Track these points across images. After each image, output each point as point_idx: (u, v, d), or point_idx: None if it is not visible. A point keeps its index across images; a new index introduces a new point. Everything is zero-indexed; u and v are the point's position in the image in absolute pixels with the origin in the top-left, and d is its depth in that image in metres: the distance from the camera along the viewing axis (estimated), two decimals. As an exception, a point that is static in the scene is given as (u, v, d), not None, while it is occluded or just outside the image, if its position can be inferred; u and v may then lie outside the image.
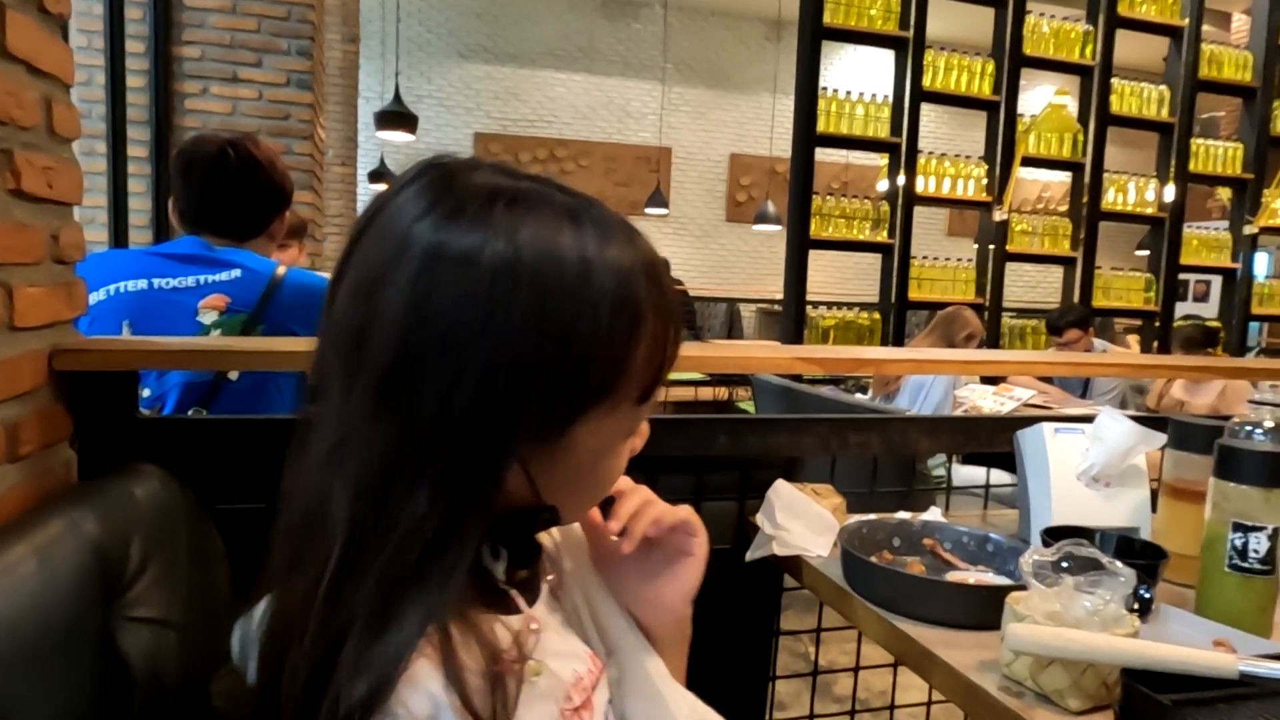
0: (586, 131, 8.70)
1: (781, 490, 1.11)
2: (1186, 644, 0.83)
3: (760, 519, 1.11)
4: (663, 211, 8.59)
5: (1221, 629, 0.83)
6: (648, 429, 0.58)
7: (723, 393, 6.35)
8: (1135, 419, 1.12)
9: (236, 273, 1.49)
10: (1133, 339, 5.63)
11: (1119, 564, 0.72)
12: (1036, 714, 0.68)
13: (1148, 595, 0.86)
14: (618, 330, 0.49)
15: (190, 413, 1.41)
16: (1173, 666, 0.61)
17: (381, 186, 7.70)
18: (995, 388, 3.92)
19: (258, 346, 1.12)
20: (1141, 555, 0.96)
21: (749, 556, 1.11)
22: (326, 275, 1.83)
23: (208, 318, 1.47)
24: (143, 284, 1.46)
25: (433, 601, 0.46)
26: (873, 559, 1.00)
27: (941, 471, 3.34)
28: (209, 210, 1.55)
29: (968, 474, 2.88)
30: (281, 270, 1.51)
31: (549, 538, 0.66)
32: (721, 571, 1.23)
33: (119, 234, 2.81)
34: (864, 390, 3.96)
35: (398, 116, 5.83)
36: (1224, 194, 5.16)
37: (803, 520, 1.09)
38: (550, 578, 0.62)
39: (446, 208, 0.48)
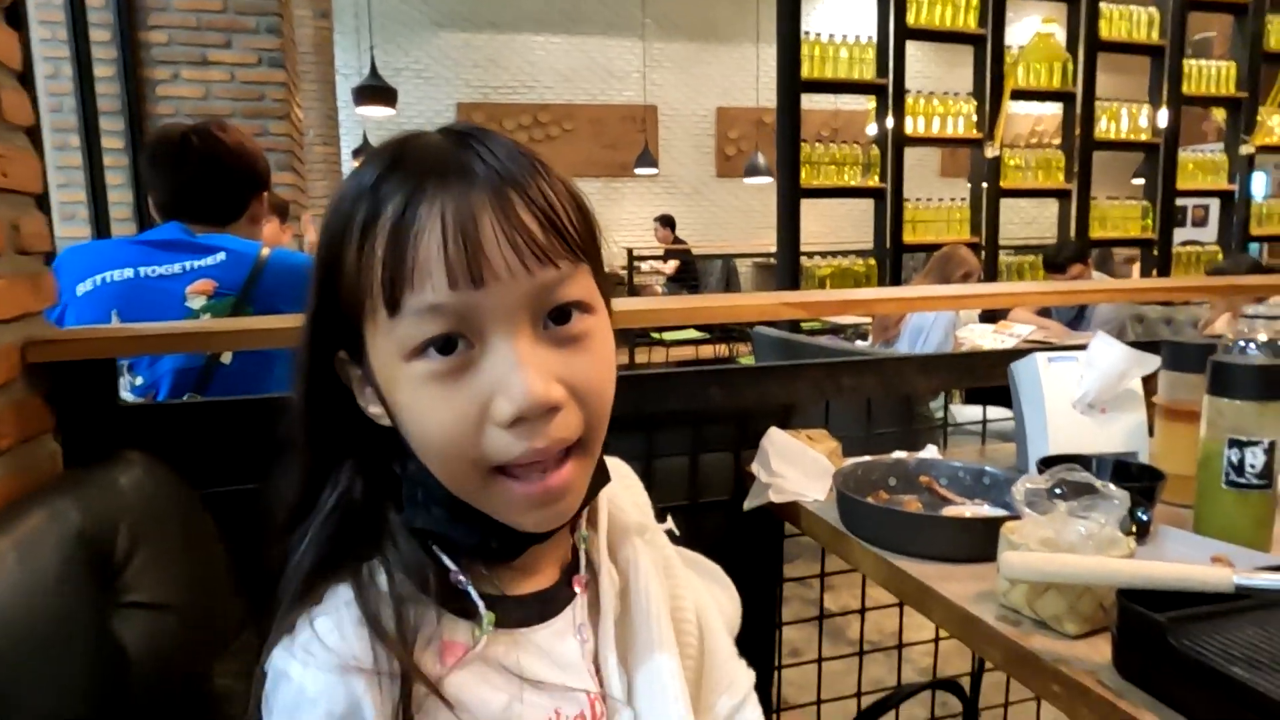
0: (570, 94, 8.58)
1: (775, 438, 1.10)
2: (1186, 563, 0.83)
3: (756, 468, 1.11)
4: (652, 171, 8.50)
5: (1220, 546, 0.82)
6: (519, 386, 0.44)
7: (723, 350, 6.34)
8: (1129, 344, 1.11)
9: (221, 256, 1.48)
10: (1134, 268, 5.58)
11: (1112, 487, 0.72)
12: (1034, 640, 0.68)
13: (1145, 517, 0.86)
14: (342, 223, 0.48)
15: (186, 398, 1.41)
16: (1169, 584, 0.60)
17: (367, 164, 7.63)
18: (995, 326, 3.91)
19: (234, 326, 1.11)
20: (1139, 478, 0.95)
21: (747, 505, 1.10)
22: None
23: (196, 303, 1.46)
24: (129, 273, 1.45)
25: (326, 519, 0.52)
26: (868, 499, 0.99)
27: (943, 412, 3.34)
28: (183, 199, 1.55)
29: (969, 413, 2.88)
30: (266, 251, 1.50)
31: (597, 550, 0.59)
32: (723, 523, 1.23)
33: (100, 227, 2.78)
34: (864, 338, 3.94)
35: (376, 91, 5.75)
36: (1219, 115, 5.08)
37: (798, 466, 1.09)
38: (579, 588, 0.56)
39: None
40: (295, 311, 1.48)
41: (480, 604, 0.50)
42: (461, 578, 0.51)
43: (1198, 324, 4.03)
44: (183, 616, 0.75)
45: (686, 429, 1.17)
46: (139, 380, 1.43)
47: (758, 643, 1.29)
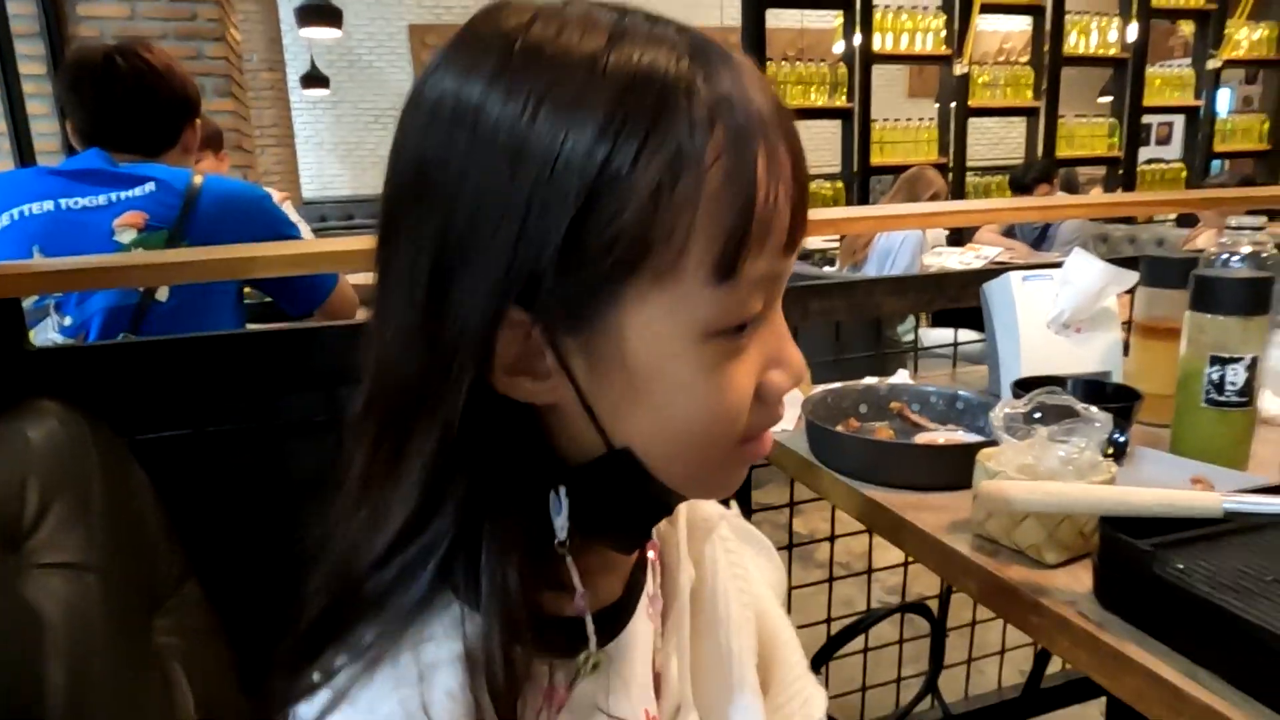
0: (527, 14, 8.23)
1: (742, 366, 1.06)
2: (1164, 485, 0.80)
3: (722, 398, 1.06)
4: (615, 95, 8.25)
5: (1199, 466, 0.80)
6: (796, 359, 0.41)
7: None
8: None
9: (150, 186, 1.38)
10: (1096, 190, 5.57)
11: (1093, 409, 0.68)
12: (1011, 571, 0.65)
13: (1123, 439, 0.83)
14: (628, 161, 0.33)
15: (121, 339, 1.32)
16: (1155, 511, 0.57)
17: (317, 91, 7.31)
18: (962, 248, 3.89)
19: (167, 258, 1.03)
20: (1114, 399, 0.92)
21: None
22: (257, 184, 1.69)
23: (126, 236, 1.37)
24: (49, 205, 1.35)
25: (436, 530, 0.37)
26: (838, 428, 0.96)
27: (912, 336, 3.33)
28: (109, 126, 1.44)
29: (938, 336, 2.87)
30: (199, 179, 1.40)
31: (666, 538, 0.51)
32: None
33: (25, 159, 2.61)
34: (831, 263, 3.90)
35: (320, 11, 5.45)
36: (1186, 29, 5.01)
37: (766, 395, 1.05)
38: (651, 591, 0.48)
39: (455, 43, 0.39)
40: (237, 242, 1.41)
41: (593, 641, 0.41)
42: (582, 602, 0.41)
43: (1162, 242, 4.04)
44: (108, 575, 0.69)
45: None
46: (67, 320, 1.34)
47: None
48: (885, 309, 1.19)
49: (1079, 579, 0.63)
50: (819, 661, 1.35)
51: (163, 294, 1.36)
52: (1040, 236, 4.04)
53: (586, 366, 0.37)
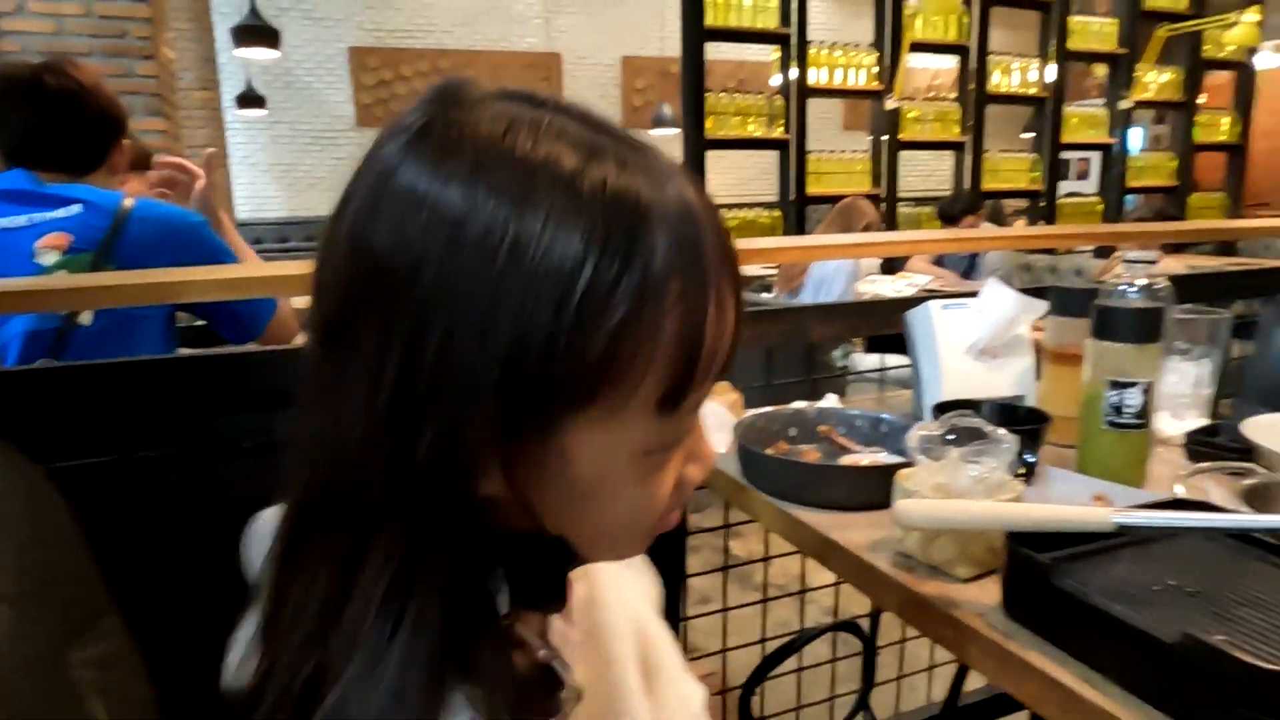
0: (469, 40, 8.25)
1: (676, 391, 1.08)
2: (1069, 502, 0.86)
3: (657, 422, 1.09)
4: (558, 121, 8.30)
5: (1101, 484, 0.85)
6: (710, 452, 0.45)
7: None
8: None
9: (77, 208, 1.35)
10: (1020, 222, 5.82)
11: (1001, 431, 0.72)
12: (927, 586, 0.68)
13: (1032, 459, 0.88)
14: (608, 281, 0.35)
15: (40, 364, 1.28)
16: (1053, 526, 0.61)
17: (253, 112, 7.19)
18: (894, 276, 4.01)
19: (92, 282, 1.00)
20: (1026, 421, 0.97)
21: (648, 461, 1.08)
22: (188, 209, 1.65)
23: (48, 259, 1.33)
24: None
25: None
26: (769, 450, 0.99)
27: (846, 362, 3.42)
28: (36, 145, 1.40)
29: (870, 362, 2.96)
30: (129, 202, 1.37)
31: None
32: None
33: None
34: (769, 289, 3.98)
35: (256, 31, 5.37)
36: (1100, 71, 5.30)
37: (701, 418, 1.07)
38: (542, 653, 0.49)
39: (422, 131, 0.38)
40: (166, 266, 1.38)
41: (569, 676, 0.46)
42: (545, 650, 0.45)
43: (1080, 272, 4.24)
44: (19, 607, 0.67)
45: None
46: (-16, 344, 1.30)
47: (666, 594, 1.28)
48: (815, 335, 1.23)
49: (989, 592, 0.66)
50: (754, 682, 1.37)
51: (86, 318, 1.32)
52: (969, 266, 4.20)
53: (528, 473, 0.39)
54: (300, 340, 1.83)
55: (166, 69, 3.19)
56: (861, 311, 1.26)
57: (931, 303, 1.14)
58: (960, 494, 0.71)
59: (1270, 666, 0.44)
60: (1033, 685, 0.57)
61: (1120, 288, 0.97)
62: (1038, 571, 0.59)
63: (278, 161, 7.89)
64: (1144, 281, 0.95)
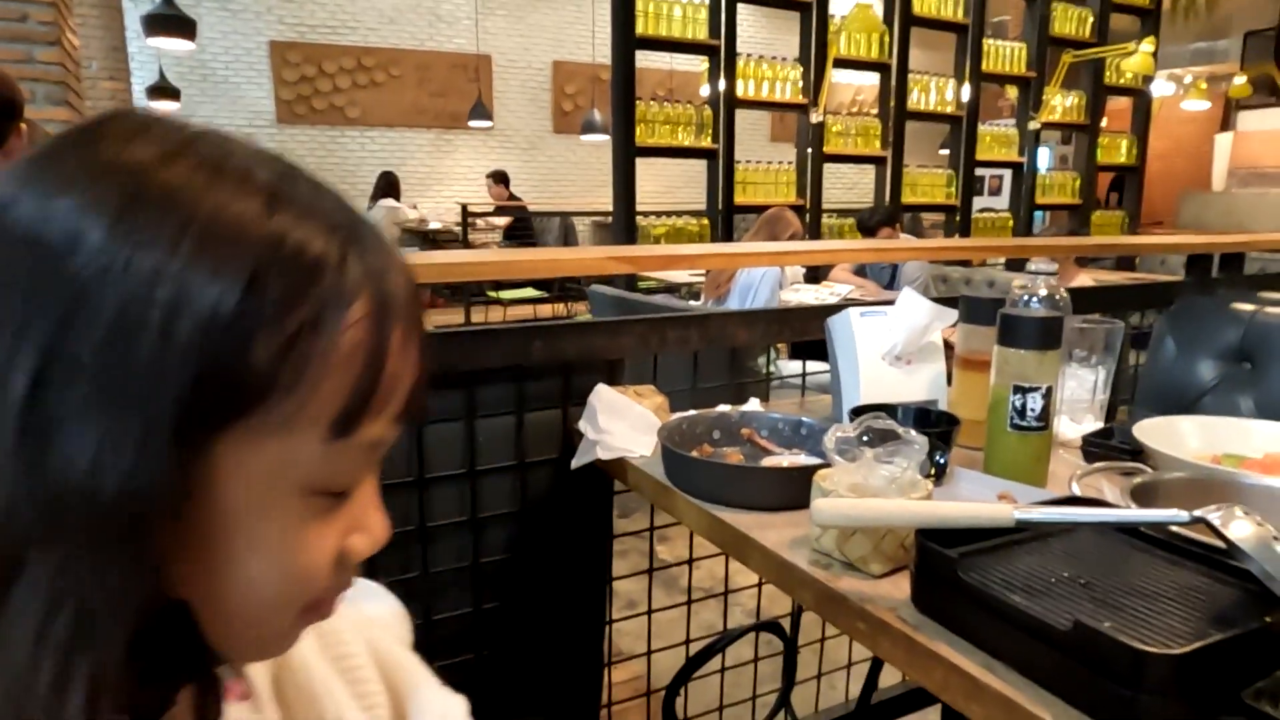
0: (395, 38, 8.11)
1: (603, 394, 1.09)
2: (976, 500, 0.90)
3: (583, 425, 1.09)
4: (487, 124, 8.23)
5: (1005, 484, 0.89)
6: (380, 524, 0.40)
7: (561, 309, 6.30)
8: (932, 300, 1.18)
9: None
10: (937, 236, 6.04)
11: (913, 433, 0.75)
12: (842, 582, 0.70)
13: (943, 460, 0.92)
14: (264, 316, 0.32)
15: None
16: (959, 522, 0.64)
17: (166, 104, 6.89)
18: (817, 286, 4.11)
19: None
20: (937, 424, 1.02)
21: (574, 464, 1.09)
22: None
23: None
24: None
25: None
26: (693, 453, 1.00)
27: (772, 368, 3.49)
28: None
29: (794, 367, 3.02)
30: None
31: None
32: (551, 481, 1.21)
33: None
34: (697, 296, 4.03)
35: (170, 21, 5.16)
36: (1012, 92, 5.55)
37: (625, 421, 1.08)
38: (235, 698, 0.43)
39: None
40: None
41: None
42: None
43: (993, 283, 4.42)
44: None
45: (510, 386, 1.13)
46: None
47: (589, 598, 1.29)
48: (738, 340, 1.26)
49: (900, 587, 0.69)
50: (678, 684, 1.39)
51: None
52: (891, 276, 4.34)
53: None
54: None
55: (71, 56, 3.03)
56: (783, 318, 1.29)
57: (851, 310, 1.18)
58: (874, 493, 0.74)
59: (1149, 649, 0.47)
60: (939, 673, 0.60)
61: (1024, 298, 1.02)
62: (945, 566, 0.62)
63: (192, 156, 7.57)
64: (1045, 292, 1.00)
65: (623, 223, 4.21)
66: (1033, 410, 0.89)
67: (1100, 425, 1.12)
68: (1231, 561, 0.60)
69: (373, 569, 1.10)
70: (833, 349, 1.21)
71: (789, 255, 1.46)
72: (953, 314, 1.12)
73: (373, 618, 0.57)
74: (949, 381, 1.18)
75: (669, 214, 4.64)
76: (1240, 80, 6.91)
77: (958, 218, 5.21)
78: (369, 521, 0.39)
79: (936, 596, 0.64)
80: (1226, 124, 8.44)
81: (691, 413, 1.07)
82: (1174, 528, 0.65)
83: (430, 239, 8.02)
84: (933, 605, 0.64)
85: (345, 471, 0.37)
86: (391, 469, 1.09)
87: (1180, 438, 1.02)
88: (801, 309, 1.33)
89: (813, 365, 1.57)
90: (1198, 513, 0.59)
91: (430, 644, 1.18)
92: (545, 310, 6.47)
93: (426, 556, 1.12)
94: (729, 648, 1.41)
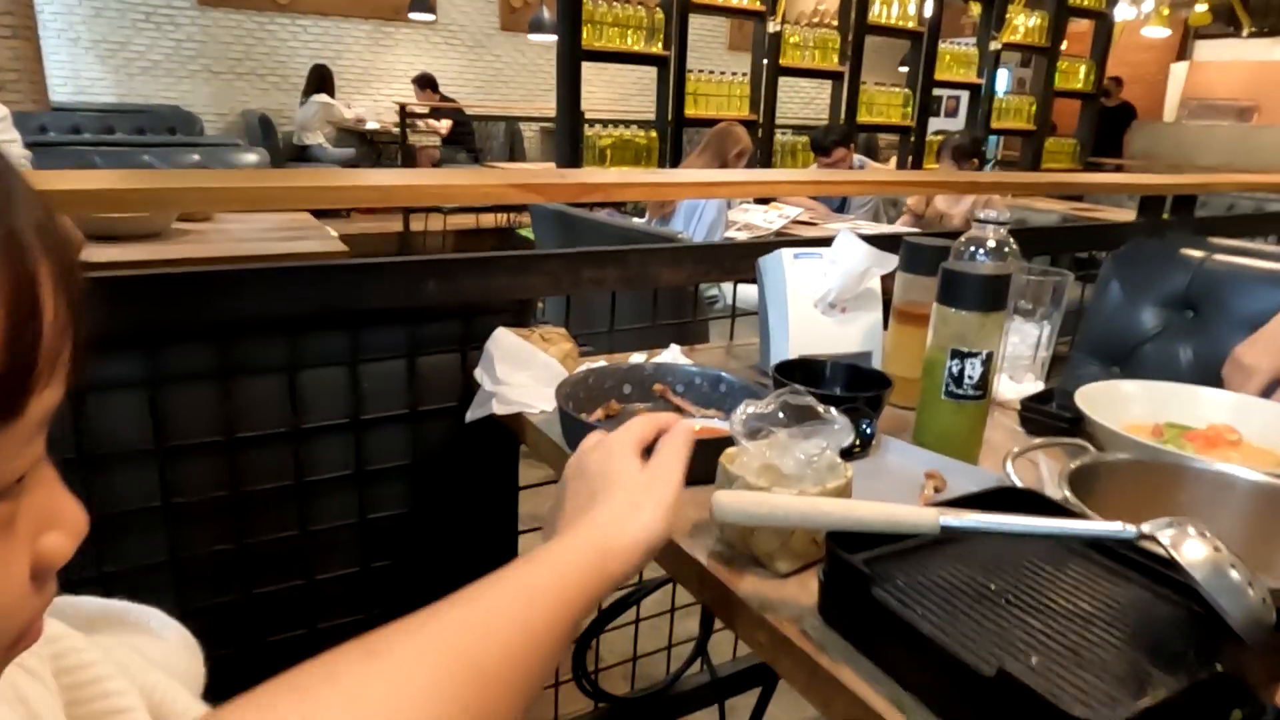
0: (328, -83, 7.46)
1: (501, 340, 0.97)
2: (902, 477, 0.82)
3: (479, 374, 0.98)
4: (428, 18, 7.72)
5: (934, 458, 0.81)
6: (74, 511, 0.32)
7: (503, 219, 6.06)
8: (875, 239, 1.08)
9: None
10: (892, 160, 5.92)
11: (835, 413, 0.66)
12: (744, 583, 0.62)
13: (869, 430, 0.83)
14: None
15: None
16: (878, 525, 0.55)
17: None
18: (766, 206, 3.98)
19: None
20: (868, 384, 0.93)
21: (469, 417, 0.98)
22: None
23: None
24: None
25: None
26: (598, 411, 0.90)
27: (715, 292, 3.39)
28: None
29: (748, 293, 2.92)
30: None
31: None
32: (450, 432, 1.10)
33: None
34: (641, 214, 3.87)
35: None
36: (975, 9, 5.36)
37: (528, 371, 0.97)
38: None
39: None
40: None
41: None
42: None
43: (898, 203, 4.33)
44: None
45: (400, 328, 1.00)
46: None
47: (494, 554, 1.20)
48: (661, 280, 1.14)
49: (809, 589, 0.60)
50: (589, 636, 1.33)
51: None
52: (842, 199, 4.22)
53: None
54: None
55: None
56: (713, 256, 1.18)
57: (784, 251, 1.07)
58: (788, 476, 0.64)
59: (1079, 716, 0.40)
60: (841, 705, 0.52)
61: (969, 249, 0.92)
62: (856, 580, 0.53)
63: (103, 39, 6.96)
64: (993, 243, 0.90)
65: (567, 132, 3.99)
66: (970, 378, 0.80)
67: (1041, 386, 1.05)
68: (1176, 576, 0.53)
69: (241, 529, 1.00)
70: (763, 292, 1.11)
71: (717, 187, 1.34)
72: (893, 260, 1.02)
73: (153, 658, 0.46)
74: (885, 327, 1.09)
75: (616, 123, 4.42)
76: (1202, 8, 6.81)
77: (912, 138, 5.08)
78: (58, 510, 0.31)
79: (846, 612, 0.55)
80: (1183, 54, 8.37)
81: (600, 363, 0.97)
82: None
83: (368, 140, 7.60)
84: (841, 620, 0.56)
85: (13, 459, 0.28)
86: (262, 419, 0.97)
87: (1123, 403, 0.95)
88: (731, 246, 1.21)
89: (749, 292, 1.47)
90: (1146, 528, 0.51)
91: (313, 606, 1.09)
92: (488, 219, 6.22)
93: (305, 514, 1.01)
94: (646, 599, 1.35)
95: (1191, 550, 0.49)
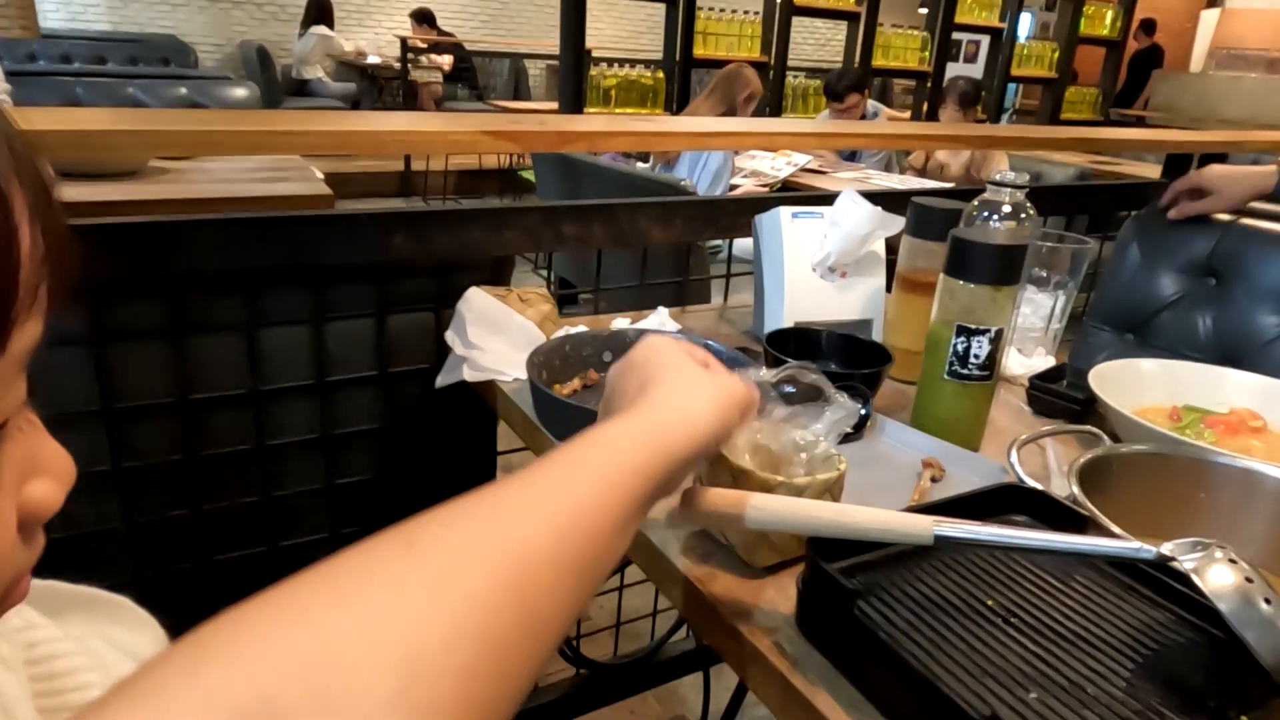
0: None
1: (474, 301, 0.91)
2: (898, 461, 0.76)
3: (450, 337, 0.91)
4: (432, -54, 7.43)
5: (933, 444, 0.75)
6: (59, 456, 0.30)
7: (505, 160, 5.92)
8: (881, 197, 1.00)
9: None
10: (907, 104, 5.73)
11: (844, 398, 0.59)
12: (717, 584, 0.56)
13: (865, 411, 0.77)
14: None
15: None
16: (869, 534, 0.50)
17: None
18: (774, 154, 3.85)
19: None
20: (866, 358, 0.86)
21: (439, 383, 0.92)
22: None
23: None
24: None
25: None
26: (574, 381, 0.84)
27: (719, 242, 3.30)
28: None
29: (747, 245, 2.83)
30: None
31: None
32: (424, 394, 1.05)
33: None
34: (645, 159, 3.75)
35: None
36: (1001, -53, 5.12)
37: (503, 335, 0.90)
38: None
39: None
40: None
41: None
42: None
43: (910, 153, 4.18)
44: None
45: (367, 285, 0.94)
46: None
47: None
48: (650, 238, 1.07)
49: (787, 594, 0.55)
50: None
51: None
52: (851, 149, 4.09)
53: None
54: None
55: None
56: (704, 213, 1.10)
57: (782, 209, 0.99)
58: (777, 461, 0.59)
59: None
60: (815, 732, 0.47)
61: (983, 213, 0.85)
62: (838, 595, 0.47)
63: (96, -38, 6.74)
64: (1009, 208, 0.83)
65: (570, 71, 3.84)
66: (976, 357, 0.74)
67: (1051, 361, 0.98)
68: (1196, 596, 0.47)
69: (199, 495, 0.95)
70: (758, 252, 1.03)
71: (710, 138, 1.24)
72: (898, 222, 0.95)
73: (124, 648, 0.43)
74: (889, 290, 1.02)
75: (621, 63, 4.26)
76: (1238, -50, 6.50)
77: (929, 84, 4.90)
78: (44, 457, 0.30)
79: (825, 627, 0.50)
80: (1215, 0, 8.05)
81: (579, 329, 0.90)
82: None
83: (369, 75, 7.39)
84: (820, 635, 0.50)
85: (7, 398, 0.27)
86: (220, 379, 0.91)
87: (1139, 384, 0.88)
88: (727, 202, 1.13)
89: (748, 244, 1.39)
90: (1167, 548, 0.45)
91: (278, 573, 1.05)
92: (490, 160, 6.07)
93: (268, 479, 0.96)
94: (630, 565, 1.30)
95: (1218, 578, 0.43)
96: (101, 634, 0.44)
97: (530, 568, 0.31)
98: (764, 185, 3.49)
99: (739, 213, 1.12)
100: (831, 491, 0.57)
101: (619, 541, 0.37)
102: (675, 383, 0.46)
